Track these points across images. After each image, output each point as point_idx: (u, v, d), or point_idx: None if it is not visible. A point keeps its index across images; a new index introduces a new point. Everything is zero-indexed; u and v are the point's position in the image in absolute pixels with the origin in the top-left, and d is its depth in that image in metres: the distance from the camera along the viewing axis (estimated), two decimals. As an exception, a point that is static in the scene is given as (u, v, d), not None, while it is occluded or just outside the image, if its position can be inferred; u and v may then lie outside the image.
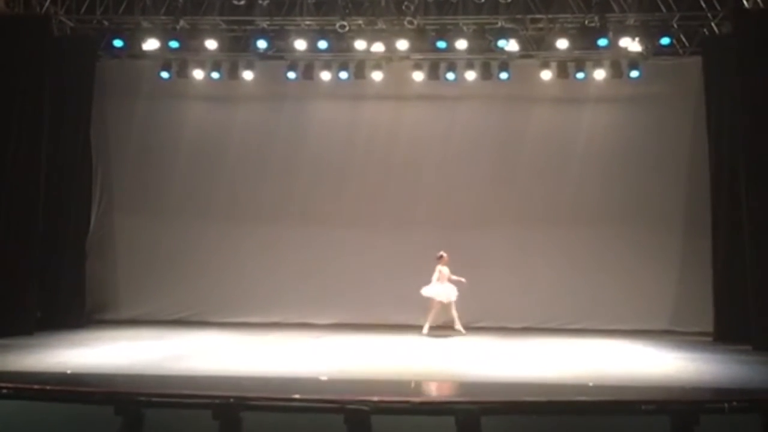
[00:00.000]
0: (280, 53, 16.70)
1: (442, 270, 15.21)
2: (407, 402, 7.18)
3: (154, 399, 7.30)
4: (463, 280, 15.06)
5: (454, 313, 15.28)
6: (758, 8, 14.71)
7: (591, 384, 9.90)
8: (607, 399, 7.96)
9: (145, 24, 16.19)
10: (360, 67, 16.70)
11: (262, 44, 15.99)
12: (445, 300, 15.16)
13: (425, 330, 15.22)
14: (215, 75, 17.04)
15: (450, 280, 15.18)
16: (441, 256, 15.29)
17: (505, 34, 15.55)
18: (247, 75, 17.04)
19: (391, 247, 16.92)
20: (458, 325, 15.23)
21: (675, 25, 15.79)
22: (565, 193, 16.86)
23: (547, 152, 17.03)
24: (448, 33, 15.73)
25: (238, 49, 16.90)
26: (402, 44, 15.78)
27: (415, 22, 15.65)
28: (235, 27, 16.57)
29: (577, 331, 15.73)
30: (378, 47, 15.85)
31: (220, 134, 17.61)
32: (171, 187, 17.49)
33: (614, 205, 16.69)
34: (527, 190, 16.95)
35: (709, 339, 15.03)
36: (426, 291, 15.16)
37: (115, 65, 17.52)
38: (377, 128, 17.39)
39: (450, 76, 16.68)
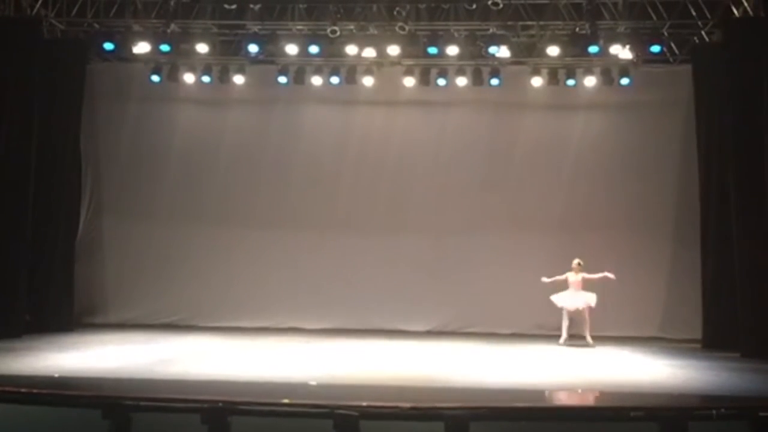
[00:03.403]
0: (271, 57, 16.69)
1: (568, 277, 14.98)
2: (396, 407, 7.16)
3: (142, 403, 7.27)
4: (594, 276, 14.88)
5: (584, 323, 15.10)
6: (748, 16, 14.79)
7: (580, 390, 9.92)
8: (595, 405, 7.98)
9: (136, 27, 16.15)
10: (351, 72, 16.71)
11: (253, 48, 15.96)
12: (562, 305, 14.96)
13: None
14: (206, 79, 17.02)
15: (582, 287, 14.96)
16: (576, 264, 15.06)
17: (497, 40, 15.57)
18: (238, 79, 17.03)
19: (381, 251, 16.94)
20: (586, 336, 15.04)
21: (665, 33, 15.86)
22: (555, 200, 16.90)
23: (537, 158, 17.07)
24: (440, 39, 15.73)
25: (229, 53, 16.88)
26: (393, 50, 15.77)
27: (407, 27, 15.67)
28: (227, 31, 16.55)
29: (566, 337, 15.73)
30: (369, 52, 15.85)
31: (210, 138, 17.59)
32: (161, 191, 17.45)
33: (604, 211, 16.72)
34: (517, 197, 16.98)
35: (698, 346, 15.09)
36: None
37: (106, 68, 17.51)
38: (368, 133, 17.40)
39: (441, 82, 16.72)
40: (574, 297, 14.98)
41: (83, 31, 16.72)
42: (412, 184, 17.22)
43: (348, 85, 16.85)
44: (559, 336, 15.11)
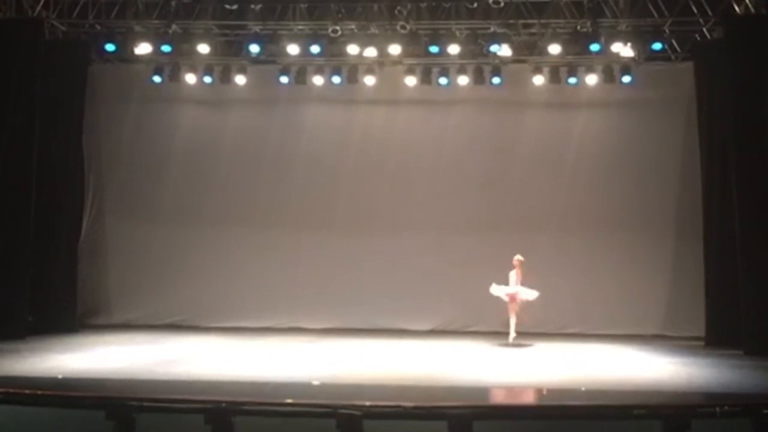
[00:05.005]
0: (272, 57, 16.71)
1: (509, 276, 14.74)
2: (399, 406, 7.18)
3: (145, 404, 7.30)
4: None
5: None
6: (750, 13, 14.78)
7: (583, 389, 9.92)
8: (598, 404, 7.97)
9: (137, 28, 16.16)
10: (353, 71, 16.69)
11: (254, 48, 15.99)
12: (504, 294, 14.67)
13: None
14: (207, 79, 17.00)
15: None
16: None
17: (498, 39, 15.57)
18: (240, 79, 17.01)
19: (383, 251, 16.92)
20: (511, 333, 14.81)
21: (667, 31, 15.84)
22: (557, 198, 16.87)
23: (539, 157, 17.05)
24: (441, 38, 15.73)
25: (230, 53, 16.89)
26: (395, 49, 15.79)
27: (408, 26, 15.68)
28: (228, 31, 16.56)
29: (568, 336, 15.74)
30: (371, 52, 15.85)
31: (212, 138, 17.58)
32: (163, 192, 17.45)
33: (606, 209, 16.70)
34: (519, 195, 16.95)
35: (701, 343, 15.05)
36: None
37: (107, 69, 17.51)
38: (370, 133, 17.38)
39: (442, 80, 16.69)
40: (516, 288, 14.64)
41: (84, 33, 16.72)
42: (413, 184, 17.20)
43: (349, 84, 16.83)
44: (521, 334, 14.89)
